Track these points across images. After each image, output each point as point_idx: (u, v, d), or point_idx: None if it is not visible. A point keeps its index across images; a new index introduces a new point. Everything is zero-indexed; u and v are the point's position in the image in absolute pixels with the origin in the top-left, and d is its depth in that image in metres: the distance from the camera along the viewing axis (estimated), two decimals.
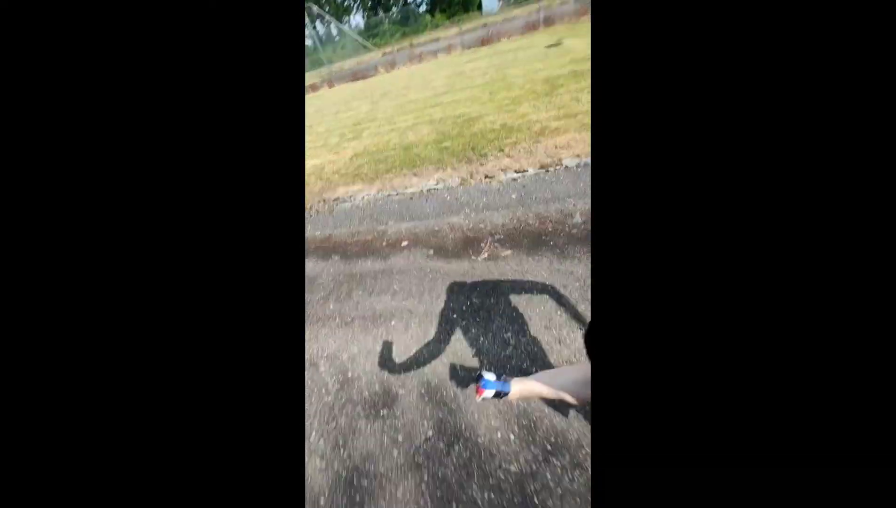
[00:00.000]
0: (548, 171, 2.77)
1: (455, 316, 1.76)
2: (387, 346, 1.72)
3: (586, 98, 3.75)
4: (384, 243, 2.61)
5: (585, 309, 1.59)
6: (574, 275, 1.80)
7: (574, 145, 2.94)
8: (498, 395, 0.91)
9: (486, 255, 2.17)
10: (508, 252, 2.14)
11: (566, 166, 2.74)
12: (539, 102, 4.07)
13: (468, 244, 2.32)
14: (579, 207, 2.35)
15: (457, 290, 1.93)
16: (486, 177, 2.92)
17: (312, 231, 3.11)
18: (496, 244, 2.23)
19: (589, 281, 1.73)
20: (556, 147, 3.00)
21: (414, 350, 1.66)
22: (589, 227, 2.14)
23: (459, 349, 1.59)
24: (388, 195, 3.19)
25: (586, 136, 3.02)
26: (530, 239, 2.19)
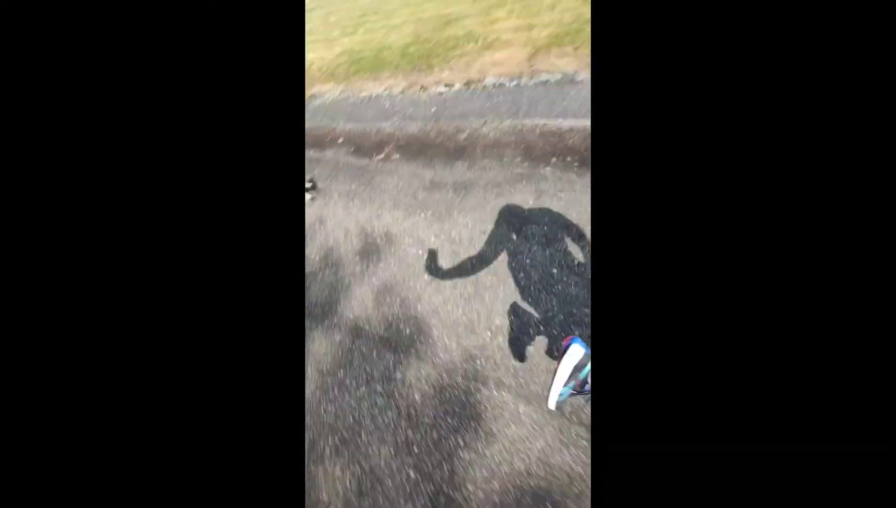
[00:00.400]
0: (468, 87, 3.05)
1: (336, 195, 2.52)
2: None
3: (562, 5, 3.55)
4: (328, 139, 3.27)
5: (413, 203, 2.23)
6: (420, 177, 2.40)
7: (505, 63, 3.08)
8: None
9: (382, 156, 2.77)
10: (397, 156, 2.73)
11: (484, 86, 2.99)
12: (520, 4, 3.88)
13: (378, 146, 2.91)
14: (472, 125, 2.74)
15: (349, 178, 2.64)
16: (422, 88, 3.26)
17: None
18: (394, 149, 2.80)
19: (430, 185, 2.32)
20: (491, 63, 3.16)
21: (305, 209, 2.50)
22: (466, 144, 2.59)
23: (327, 214, 2.39)
24: (347, 97, 3.70)
25: (521, 52, 3.10)
26: (418, 148, 2.72)
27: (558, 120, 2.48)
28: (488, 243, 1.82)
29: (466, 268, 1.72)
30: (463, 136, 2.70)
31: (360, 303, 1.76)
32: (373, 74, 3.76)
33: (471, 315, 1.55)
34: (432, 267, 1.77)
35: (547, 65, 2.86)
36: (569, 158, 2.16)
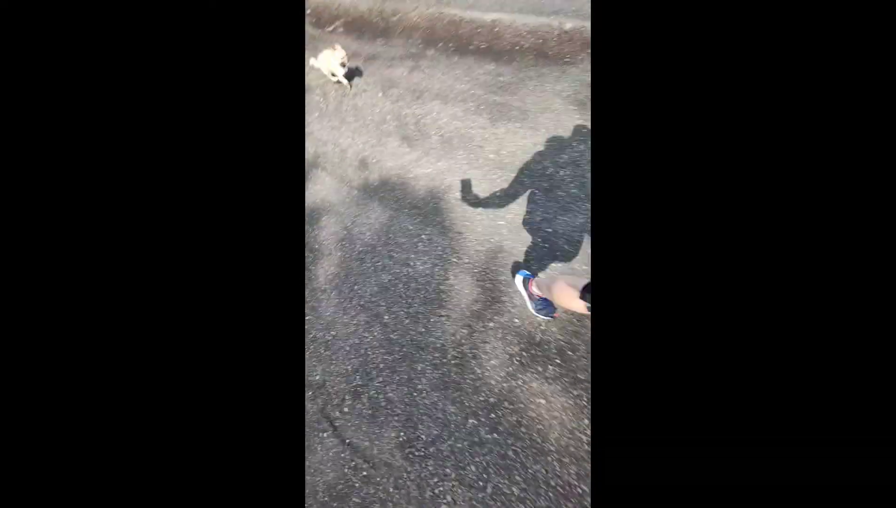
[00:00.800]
0: None
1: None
2: None
3: None
4: (313, 18, 3.80)
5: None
6: (347, 48, 3.02)
7: None
8: (525, 282, 1.31)
9: (330, 29, 3.37)
10: (341, 30, 3.31)
11: None
12: None
13: (331, 20, 3.47)
14: (407, 8, 3.19)
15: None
16: None
17: None
18: (341, 24, 3.36)
19: (351, 55, 2.96)
20: None
21: None
22: (394, 25, 3.10)
23: None
24: None
25: None
26: (360, 24, 3.27)
27: (466, 11, 2.91)
28: (514, 181, 1.82)
29: (493, 201, 1.77)
30: (395, 18, 3.20)
31: None
32: None
33: (340, 143, 2.41)
34: (467, 196, 1.83)
35: None
36: (450, 45, 2.71)
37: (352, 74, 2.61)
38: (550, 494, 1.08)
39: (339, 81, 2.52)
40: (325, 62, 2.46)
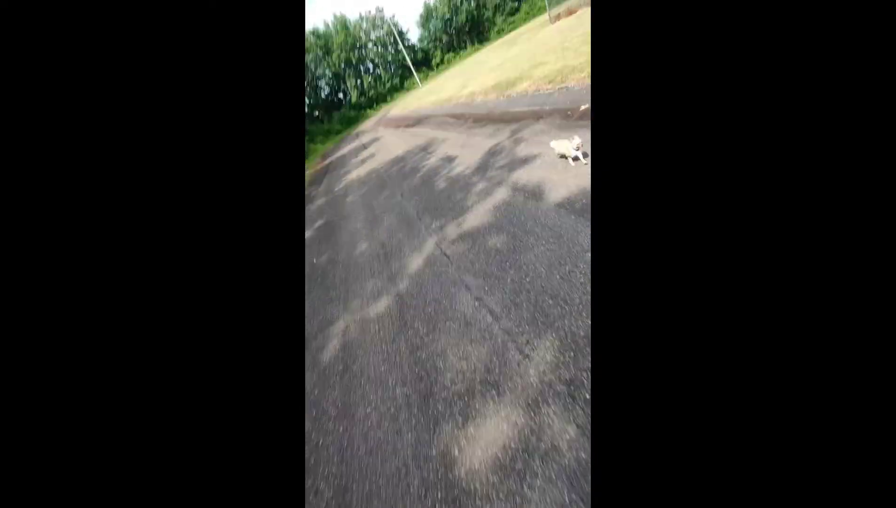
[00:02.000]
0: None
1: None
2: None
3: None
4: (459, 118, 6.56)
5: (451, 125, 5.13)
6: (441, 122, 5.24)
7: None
8: None
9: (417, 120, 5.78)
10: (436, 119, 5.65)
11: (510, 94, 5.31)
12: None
13: (424, 119, 5.94)
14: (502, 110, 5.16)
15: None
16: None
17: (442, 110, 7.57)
18: (436, 122, 5.72)
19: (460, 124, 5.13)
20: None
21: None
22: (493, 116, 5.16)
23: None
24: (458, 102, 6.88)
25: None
26: (441, 122, 5.51)
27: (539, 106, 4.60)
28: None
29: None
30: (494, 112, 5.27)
31: None
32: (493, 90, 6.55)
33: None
34: None
35: (547, 86, 4.78)
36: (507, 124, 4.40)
37: (583, 155, 3.06)
38: None
39: (570, 158, 3.07)
40: (561, 147, 3.13)
